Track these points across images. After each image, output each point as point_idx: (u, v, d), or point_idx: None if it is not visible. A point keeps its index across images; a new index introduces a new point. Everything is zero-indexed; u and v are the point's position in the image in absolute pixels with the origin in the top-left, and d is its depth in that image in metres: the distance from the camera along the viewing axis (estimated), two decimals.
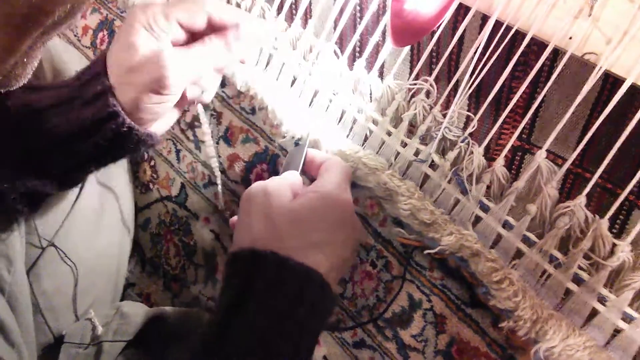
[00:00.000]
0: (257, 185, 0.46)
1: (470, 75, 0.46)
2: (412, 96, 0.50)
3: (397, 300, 0.50)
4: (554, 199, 0.43)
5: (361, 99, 0.53)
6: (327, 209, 0.44)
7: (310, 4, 0.57)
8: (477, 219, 0.46)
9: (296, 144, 0.56)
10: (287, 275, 0.40)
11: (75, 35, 0.78)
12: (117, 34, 0.46)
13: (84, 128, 0.45)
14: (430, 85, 0.49)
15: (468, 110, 0.50)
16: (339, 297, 0.54)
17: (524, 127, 0.47)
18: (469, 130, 0.47)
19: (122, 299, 0.70)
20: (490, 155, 0.49)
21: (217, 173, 0.60)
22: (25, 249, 0.58)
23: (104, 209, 0.65)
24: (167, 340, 0.60)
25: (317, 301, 0.40)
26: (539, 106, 0.46)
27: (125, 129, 0.45)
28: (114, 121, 0.44)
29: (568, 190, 0.45)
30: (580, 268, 0.41)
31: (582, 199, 0.41)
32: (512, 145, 0.48)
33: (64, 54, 0.68)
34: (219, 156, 0.64)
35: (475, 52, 0.45)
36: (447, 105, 0.49)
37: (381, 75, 0.53)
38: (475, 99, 0.49)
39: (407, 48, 0.51)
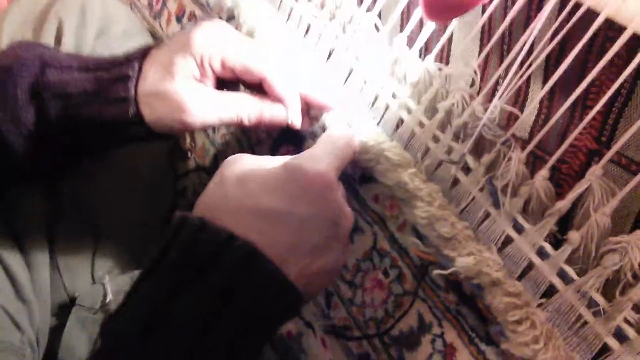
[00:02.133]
0: (236, 155, 0.41)
1: (520, 63, 0.37)
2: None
3: (406, 319, 0.43)
4: (604, 229, 0.33)
5: (397, 81, 0.46)
6: (289, 179, 0.37)
7: None
8: (508, 240, 0.38)
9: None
10: (202, 239, 0.34)
11: None
12: (171, 42, 0.45)
13: (104, 123, 0.45)
14: (474, 71, 0.41)
15: (540, 105, 0.41)
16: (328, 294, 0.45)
17: (603, 129, 0.38)
18: (513, 129, 0.38)
19: None
20: (562, 158, 0.40)
21: None
22: (48, 208, 0.58)
23: (135, 171, 0.63)
24: None
25: (242, 272, 0.33)
26: (624, 104, 0.37)
27: (143, 131, 0.45)
28: (132, 126, 0.44)
29: None
30: (626, 321, 0.32)
31: None
32: (589, 149, 0.39)
33: (113, 10, 0.66)
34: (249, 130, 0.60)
35: (530, 34, 0.36)
36: (517, 96, 0.40)
37: (445, 55, 0.45)
38: (550, 92, 0.40)
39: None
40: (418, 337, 0.43)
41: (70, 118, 0.44)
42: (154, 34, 0.73)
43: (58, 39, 0.61)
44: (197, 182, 0.68)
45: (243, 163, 0.39)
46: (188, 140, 0.69)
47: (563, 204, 0.35)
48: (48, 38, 0.60)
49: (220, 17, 0.60)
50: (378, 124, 0.47)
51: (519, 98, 0.41)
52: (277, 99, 0.45)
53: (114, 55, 0.47)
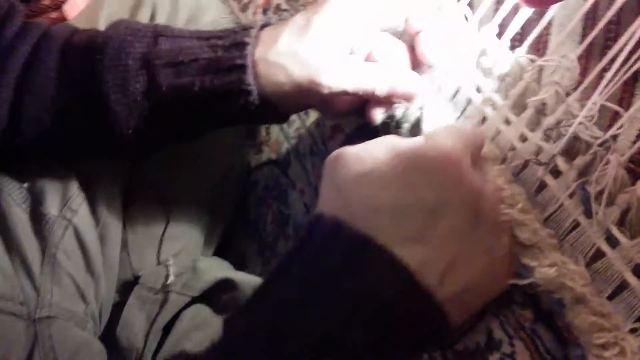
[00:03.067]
0: (336, 151, 0.37)
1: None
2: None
3: (473, 333, 0.39)
4: None
5: (482, 74, 0.42)
6: (408, 168, 0.33)
7: None
8: (599, 255, 0.33)
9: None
10: (338, 241, 0.32)
11: None
12: (315, 5, 0.42)
13: (215, 93, 0.43)
14: (573, 64, 0.36)
15: None
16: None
17: None
18: (614, 130, 0.34)
19: (216, 254, 0.68)
20: None
21: None
22: (125, 188, 0.59)
23: (209, 160, 0.63)
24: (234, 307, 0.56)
25: (372, 275, 0.31)
26: None
27: (253, 107, 0.43)
28: (243, 97, 0.42)
29: None
30: None
31: None
32: None
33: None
34: (323, 124, 0.58)
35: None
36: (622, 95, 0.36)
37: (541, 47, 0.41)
38: None
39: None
40: (484, 355, 0.38)
41: (180, 87, 0.44)
42: None
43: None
44: (268, 175, 0.67)
45: (352, 161, 0.35)
46: (263, 132, 0.68)
47: None
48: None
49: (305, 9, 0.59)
50: (457, 119, 0.43)
51: (624, 97, 0.36)
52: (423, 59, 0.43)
53: (232, 27, 0.46)
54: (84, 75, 0.46)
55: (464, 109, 0.43)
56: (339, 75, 0.41)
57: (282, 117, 0.48)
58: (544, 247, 0.34)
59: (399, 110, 0.45)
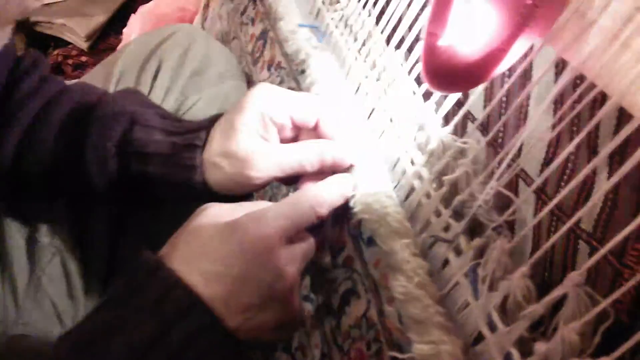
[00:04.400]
0: (209, 203, 0.43)
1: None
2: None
3: None
4: (570, 348, 0.28)
5: (417, 148, 0.44)
6: (231, 238, 0.39)
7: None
8: (481, 337, 0.34)
9: None
10: (153, 280, 0.37)
11: (245, 41, 0.84)
12: (233, 107, 0.48)
13: (174, 184, 0.50)
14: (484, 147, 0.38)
15: (606, 198, 0.37)
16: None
17: None
18: (506, 216, 0.34)
19: None
20: (624, 261, 0.35)
21: None
22: (112, 230, 0.65)
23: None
24: None
25: (179, 318, 0.36)
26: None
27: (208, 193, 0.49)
28: (194, 190, 0.49)
29: None
30: None
31: None
32: None
33: (214, 53, 0.73)
34: None
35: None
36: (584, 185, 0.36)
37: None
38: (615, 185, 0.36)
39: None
40: None
41: (147, 175, 0.50)
42: (250, 78, 0.78)
43: (155, 77, 0.68)
44: None
45: (206, 214, 0.41)
46: (255, 196, 0.72)
47: (535, 308, 0.30)
48: (147, 76, 0.68)
49: (296, 69, 0.64)
50: (395, 188, 0.45)
51: (586, 186, 0.36)
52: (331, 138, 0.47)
53: (190, 121, 0.52)
54: (74, 148, 0.52)
55: (400, 179, 0.45)
56: (266, 164, 0.45)
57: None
58: (430, 324, 0.35)
59: None
